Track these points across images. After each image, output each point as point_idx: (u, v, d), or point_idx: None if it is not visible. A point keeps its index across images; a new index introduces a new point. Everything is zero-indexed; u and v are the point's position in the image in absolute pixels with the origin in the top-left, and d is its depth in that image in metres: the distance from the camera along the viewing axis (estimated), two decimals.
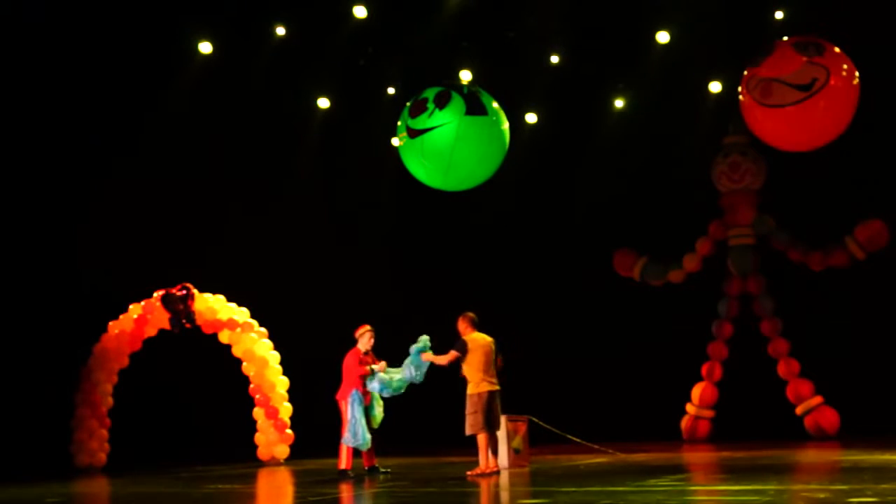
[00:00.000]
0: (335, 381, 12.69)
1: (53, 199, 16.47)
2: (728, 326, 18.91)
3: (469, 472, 11.74)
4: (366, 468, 12.66)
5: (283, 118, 18.58)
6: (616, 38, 17.25)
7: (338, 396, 12.49)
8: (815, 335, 17.84)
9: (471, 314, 11.96)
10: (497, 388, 11.82)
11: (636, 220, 19.54)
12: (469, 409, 11.72)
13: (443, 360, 11.90)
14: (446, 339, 12.15)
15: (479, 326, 11.97)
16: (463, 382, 11.93)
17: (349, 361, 12.48)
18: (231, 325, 16.65)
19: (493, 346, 11.89)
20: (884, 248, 17.69)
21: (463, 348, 11.73)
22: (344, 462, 12.36)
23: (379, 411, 12.70)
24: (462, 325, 11.92)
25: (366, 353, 12.63)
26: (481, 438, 11.74)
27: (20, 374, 15.72)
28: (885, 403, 16.95)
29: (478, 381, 11.69)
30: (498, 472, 11.96)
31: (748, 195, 18.53)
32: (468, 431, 11.76)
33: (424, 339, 12.24)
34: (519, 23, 16.95)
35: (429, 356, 12.07)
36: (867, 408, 17.13)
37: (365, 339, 12.61)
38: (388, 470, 12.75)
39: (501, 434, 12.93)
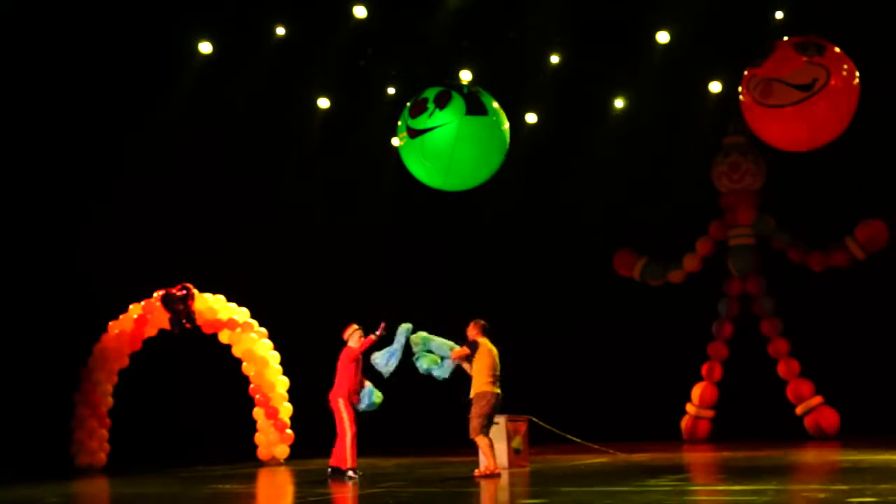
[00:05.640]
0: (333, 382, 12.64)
1: (53, 199, 16.46)
2: (728, 326, 18.92)
3: (476, 472, 11.74)
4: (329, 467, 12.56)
5: (283, 118, 18.57)
6: (616, 38, 17.24)
7: (331, 396, 12.42)
8: (815, 335, 17.84)
9: (482, 321, 12.00)
10: (500, 393, 11.84)
11: (636, 220, 19.54)
12: (477, 410, 11.67)
13: (457, 355, 11.87)
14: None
15: (489, 334, 11.97)
16: (462, 384, 11.92)
17: (344, 360, 12.42)
18: (231, 325, 16.65)
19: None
20: (884, 248, 17.70)
21: (474, 346, 11.77)
22: (349, 461, 12.26)
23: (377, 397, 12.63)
24: (472, 331, 11.93)
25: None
26: (484, 441, 11.73)
27: (20, 374, 15.71)
28: (885, 403, 16.95)
29: (485, 383, 11.70)
30: (499, 475, 11.94)
31: (748, 195, 18.53)
32: (473, 435, 11.72)
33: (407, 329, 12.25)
34: (519, 23, 16.95)
35: (456, 352, 11.96)
36: (867, 408, 17.14)
37: (355, 338, 12.53)
38: (360, 473, 12.51)
39: (500, 435, 12.98)
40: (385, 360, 12.23)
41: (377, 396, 12.54)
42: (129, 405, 16.66)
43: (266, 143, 18.56)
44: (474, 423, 11.71)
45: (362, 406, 12.46)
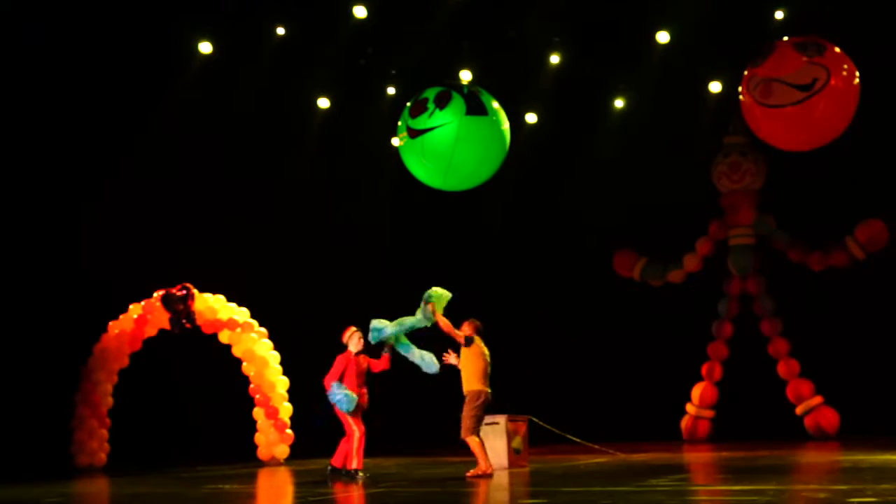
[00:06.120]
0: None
1: (54, 199, 16.46)
2: (728, 326, 18.92)
3: (469, 473, 11.71)
4: (330, 466, 12.51)
5: (283, 118, 18.57)
6: (616, 38, 17.25)
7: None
8: (815, 335, 17.84)
9: (477, 322, 11.97)
10: (490, 392, 11.83)
11: (636, 220, 19.54)
12: (470, 411, 11.66)
13: (447, 326, 11.75)
14: (446, 341, 12.14)
15: (483, 334, 11.96)
16: (456, 384, 11.91)
17: (336, 365, 12.32)
18: (231, 325, 16.65)
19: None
20: (884, 248, 17.70)
21: (469, 341, 11.73)
22: (355, 461, 12.22)
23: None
24: (467, 330, 11.90)
25: (357, 355, 12.50)
26: (476, 441, 11.71)
27: (20, 374, 15.71)
28: (885, 403, 16.96)
29: (477, 383, 11.68)
30: (492, 475, 11.88)
31: (748, 195, 18.54)
32: (465, 434, 11.70)
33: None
34: (519, 23, 16.95)
35: (441, 317, 11.81)
36: (867, 408, 17.14)
37: (354, 340, 12.43)
38: (361, 475, 12.46)
39: (500, 435, 12.97)
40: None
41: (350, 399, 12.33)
42: (129, 405, 16.66)
43: (266, 143, 18.55)
44: (467, 422, 11.69)
45: (343, 408, 12.26)
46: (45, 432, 16.03)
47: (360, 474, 12.10)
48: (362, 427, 12.25)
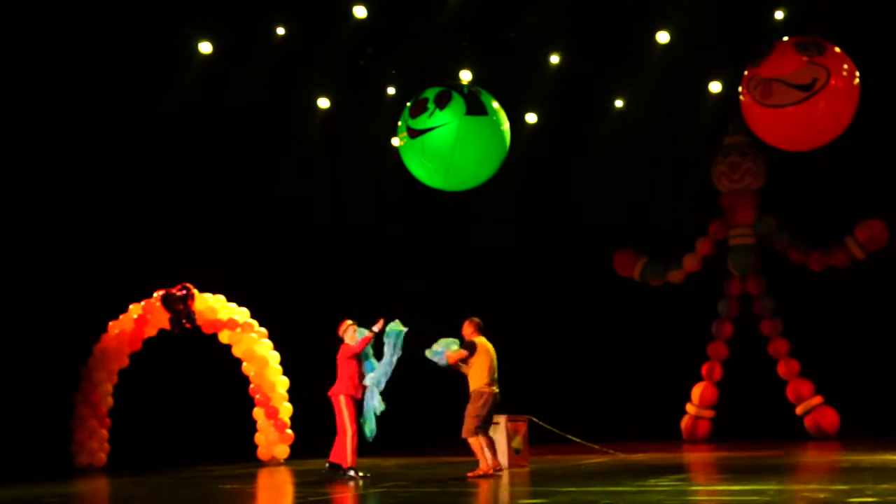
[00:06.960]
0: (334, 380, 12.63)
1: (54, 198, 16.45)
2: (728, 326, 18.92)
3: (469, 473, 11.71)
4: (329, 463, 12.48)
5: (283, 118, 18.56)
6: (616, 38, 17.25)
7: (331, 392, 12.35)
8: (815, 335, 17.84)
9: (477, 319, 11.98)
10: (498, 392, 11.82)
11: (636, 220, 19.54)
12: (472, 411, 11.65)
13: (454, 357, 11.78)
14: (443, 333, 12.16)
15: (484, 332, 11.96)
16: (460, 383, 11.90)
17: (342, 357, 12.36)
18: (231, 325, 16.64)
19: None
20: (884, 248, 17.70)
21: (472, 348, 11.71)
22: (349, 460, 12.21)
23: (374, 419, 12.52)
24: (468, 330, 11.92)
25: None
26: (477, 441, 11.70)
27: (20, 374, 15.71)
28: (885, 403, 16.97)
29: (483, 383, 11.68)
30: (501, 471, 11.91)
31: (748, 195, 18.54)
32: (466, 434, 11.69)
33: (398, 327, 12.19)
34: (519, 23, 16.95)
35: (451, 354, 11.81)
36: (867, 408, 17.15)
37: (349, 333, 12.47)
38: (362, 473, 12.41)
39: (500, 435, 12.97)
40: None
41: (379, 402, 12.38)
42: (129, 405, 16.66)
43: (266, 143, 18.55)
44: (469, 422, 11.67)
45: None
46: (45, 432, 16.03)
47: (353, 472, 12.09)
48: (355, 426, 12.24)
